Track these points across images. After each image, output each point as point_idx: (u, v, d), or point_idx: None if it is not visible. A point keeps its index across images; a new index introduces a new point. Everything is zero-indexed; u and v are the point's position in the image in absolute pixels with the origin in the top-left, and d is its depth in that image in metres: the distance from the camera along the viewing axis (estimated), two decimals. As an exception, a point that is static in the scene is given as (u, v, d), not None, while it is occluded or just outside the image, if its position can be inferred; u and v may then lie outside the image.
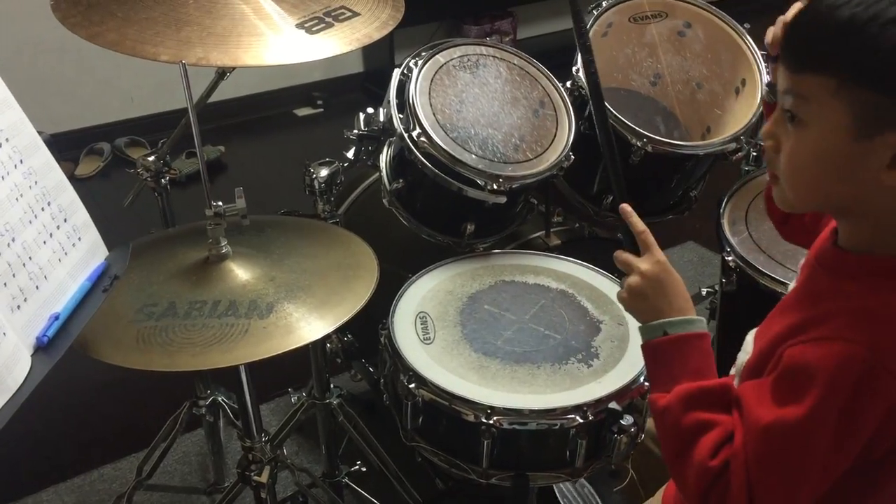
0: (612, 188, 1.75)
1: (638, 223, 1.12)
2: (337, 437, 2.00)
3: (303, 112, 4.17)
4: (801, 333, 0.91)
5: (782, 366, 0.91)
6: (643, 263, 1.08)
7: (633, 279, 1.09)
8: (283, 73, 4.08)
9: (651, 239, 1.10)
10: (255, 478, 1.37)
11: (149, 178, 1.73)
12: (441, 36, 4.24)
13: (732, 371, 1.14)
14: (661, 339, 1.03)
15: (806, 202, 0.96)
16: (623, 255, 1.12)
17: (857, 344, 0.85)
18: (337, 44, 1.36)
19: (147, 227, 1.82)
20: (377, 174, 1.95)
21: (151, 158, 1.71)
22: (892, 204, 0.88)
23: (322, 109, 4.17)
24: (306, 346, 1.15)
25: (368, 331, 1.59)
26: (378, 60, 4.17)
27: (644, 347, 1.07)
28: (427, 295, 1.60)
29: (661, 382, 1.02)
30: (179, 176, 3.19)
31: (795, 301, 1.02)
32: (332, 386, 1.92)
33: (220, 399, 2.00)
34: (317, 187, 1.72)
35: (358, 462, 2.03)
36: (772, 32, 1.07)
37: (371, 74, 4.31)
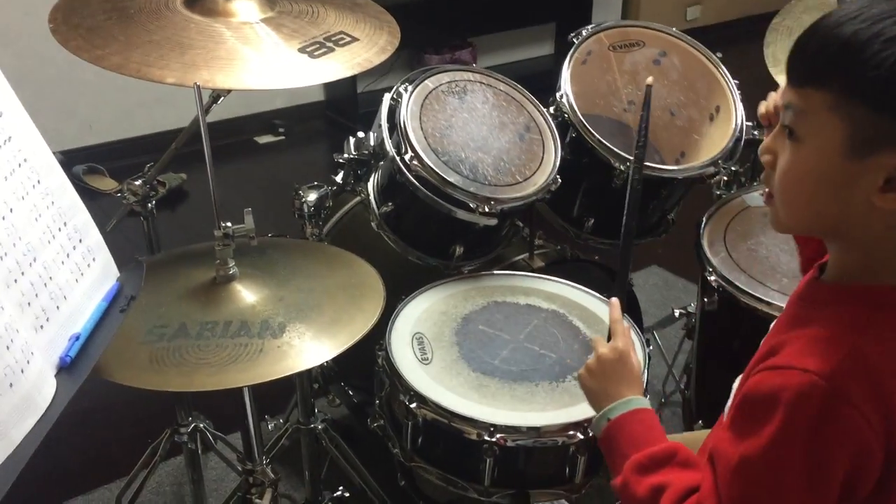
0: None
1: (615, 315, 1.21)
2: (319, 462, 1.99)
3: (264, 140, 4.16)
4: (762, 361, 0.91)
5: (741, 395, 0.91)
6: (602, 348, 1.16)
7: (590, 361, 1.17)
8: (244, 101, 4.06)
9: (618, 328, 1.18)
10: (257, 501, 1.36)
11: (135, 203, 1.71)
12: (401, 65, 4.28)
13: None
14: (605, 427, 1.08)
15: (798, 221, 0.95)
16: (594, 339, 1.21)
17: (814, 374, 0.84)
18: (340, 67, 1.38)
19: (126, 252, 1.80)
20: (356, 199, 1.97)
21: (138, 182, 1.69)
22: (882, 229, 0.87)
23: (283, 137, 4.17)
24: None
25: (346, 355, 1.60)
26: (339, 88, 4.18)
27: (598, 442, 1.11)
28: (422, 316, 1.61)
29: (616, 466, 1.04)
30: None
31: (770, 333, 1.02)
32: (315, 410, 1.92)
33: (201, 426, 1.97)
34: (306, 211, 1.74)
35: (340, 487, 2.02)
36: (764, 106, 1.15)
37: (332, 102, 4.32)
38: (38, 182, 1.03)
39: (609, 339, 1.19)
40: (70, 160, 3.67)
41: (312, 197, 1.73)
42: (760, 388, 0.88)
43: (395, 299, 1.65)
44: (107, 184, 3.62)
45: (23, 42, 3.35)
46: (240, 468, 1.45)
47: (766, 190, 0.97)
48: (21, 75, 3.38)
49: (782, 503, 0.86)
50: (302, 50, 1.39)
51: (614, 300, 1.25)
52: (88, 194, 3.59)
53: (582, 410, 1.41)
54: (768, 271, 1.71)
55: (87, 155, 3.74)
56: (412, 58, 4.38)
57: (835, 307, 0.91)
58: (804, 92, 0.88)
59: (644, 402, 1.08)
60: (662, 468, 0.97)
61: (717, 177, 1.84)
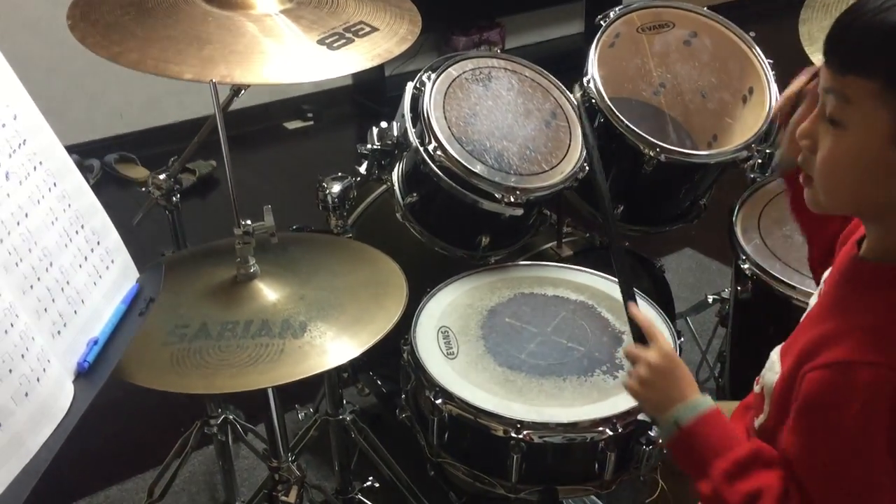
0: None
1: (641, 317, 1.18)
2: (349, 453, 1.98)
3: (293, 125, 4.15)
4: (819, 353, 0.92)
5: (806, 394, 0.92)
6: (650, 355, 1.13)
7: (641, 370, 1.14)
8: (271, 87, 4.04)
9: (656, 330, 1.15)
10: (283, 498, 1.36)
11: (160, 197, 1.71)
12: (429, 48, 4.25)
13: (756, 388, 1.15)
14: (677, 433, 1.06)
15: (838, 204, 0.96)
16: (630, 349, 1.17)
17: (881, 367, 0.86)
18: (360, 59, 1.35)
19: (152, 245, 1.80)
20: (382, 187, 1.95)
21: (163, 176, 1.69)
22: None
23: (312, 122, 4.15)
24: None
25: (374, 345, 1.59)
26: (367, 73, 4.08)
27: (668, 446, 1.10)
28: (447, 309, 1.59)
29: (696, 471, 1.03)
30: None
31: (818, 314, 1.03)
32: (344, 401, 1.91)
33: (231, 417, 1.98)
34: (330, 202, 1.72)
35: (370, 478, 2.01)
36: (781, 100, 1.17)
37: (360, 87, 4.30)
38: (54, 185, 1.02)
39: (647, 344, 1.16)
40: (101, 149, 3.70)
41: (336, 189, 1.71)
42: (829, 388, 0.89)
43: (421, 290, 1.63)
44: (138, 172, 3.63)
45: (52, 32, 3.36)
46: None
47: (803, 173, 0.97)
48: (51, 66, 3.45)
49: (875, 493, 0.89)
50: (321, 42, 1.36)
51: (630, 305, 1.23)
52: (120, 183, 3.61)
53: (611, 406, 1.39)
54: (805, 259, 1.65)
55: (119, 143, 3.76)
56: (440, 40, 4.33)
57: (881, 290, 0.92)
58: (847, 80, 0.87)
59: (709, 402, 1.07)
60: (750, 472, 0.97)
61: (751, 161, 1.79)
